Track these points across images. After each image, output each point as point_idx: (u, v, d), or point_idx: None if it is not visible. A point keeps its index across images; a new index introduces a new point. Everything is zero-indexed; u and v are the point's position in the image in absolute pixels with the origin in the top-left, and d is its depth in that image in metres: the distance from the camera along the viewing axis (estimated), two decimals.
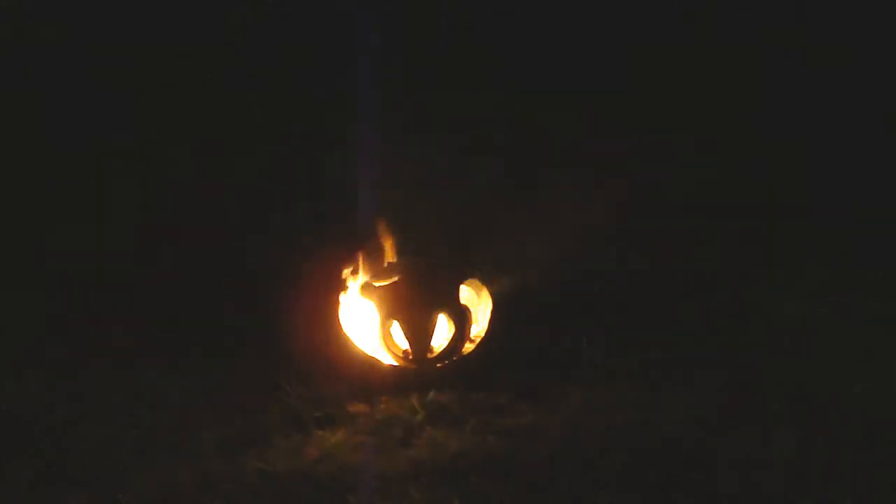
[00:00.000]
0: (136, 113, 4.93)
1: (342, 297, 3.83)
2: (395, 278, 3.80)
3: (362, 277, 3.87)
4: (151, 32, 5.01)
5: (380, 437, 3.45)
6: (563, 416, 3.53)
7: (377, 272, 3.86)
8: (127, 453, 3.29)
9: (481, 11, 5.02)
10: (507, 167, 4.63)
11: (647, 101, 4.78)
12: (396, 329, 3.79)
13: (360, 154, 4.32)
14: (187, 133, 4.92)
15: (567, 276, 4.27)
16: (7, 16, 5.19)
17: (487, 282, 3.91)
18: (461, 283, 3.85)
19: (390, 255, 3.89)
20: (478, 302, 3.91)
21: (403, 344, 3.80)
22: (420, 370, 3.76)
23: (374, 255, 3.90)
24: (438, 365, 3.78)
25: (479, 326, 3.90)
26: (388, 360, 3.82)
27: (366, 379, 3.74)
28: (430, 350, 3.79)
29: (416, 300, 3.75)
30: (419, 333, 3.75)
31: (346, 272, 3.86)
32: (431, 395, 3.66)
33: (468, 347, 3.86)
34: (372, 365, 3.78)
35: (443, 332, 3.81)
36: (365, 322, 3.87)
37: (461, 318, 3.80)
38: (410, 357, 3.78)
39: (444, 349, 3.79)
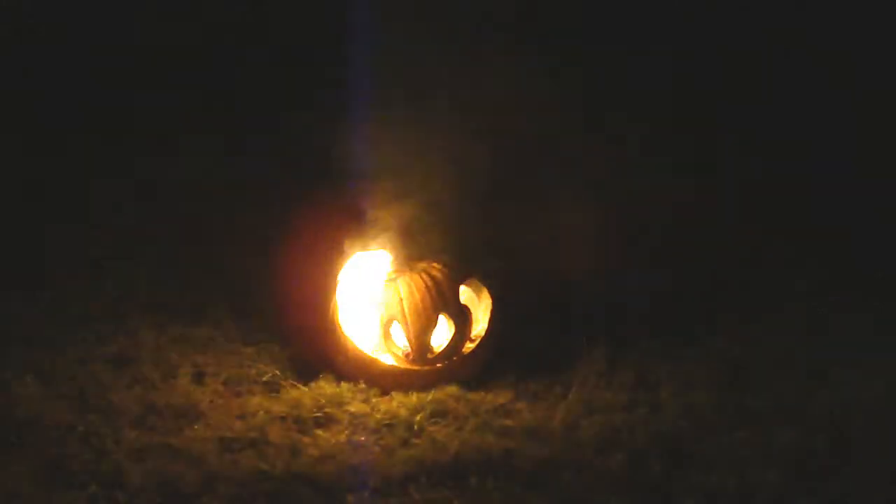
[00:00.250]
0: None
1: (342, 296, 3.84)
2: (396, 278, 3.80)
3: (362, 277, 3.88)
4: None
5: (380, 437, 3.45)
6: (563, 416, 3.54)
7: (377, 271, 3.87)
8: (126, 452, 3.29)
9: None
10: (508, 165, 4.62)
11: (646, 101, 4.78)
12: (396, 329, 3.79)
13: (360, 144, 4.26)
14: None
15: (568, 277, 4.27)
16: (7, 16, 5.21)
17: (487, 282, 3.91)
18: (461, 283, 3.86)
19: (390, 255, 3.90)
20: (478, 302, 3.92)
21: (403, 344, 3.80)
22: (420, 370, 3.77)
23: (374, 255, 3.91)
24: (438, 365, 3.78)
25: (479, 326, 3.90)
26: (388, 360, 3.82)
27: (366, 379, 3.74)
28: (430, 350, 3.80)
29: (417, 301, 3.75)
30: (419, 333, 3.75)
31: (346, 272, 3.87)
32: (431, 394, 3.66)
33: (468, 347, 3.86)
34: (372, 365, 3.78)
35: (443, 332, 3.81)
36: (365, 322, 3.88)
37: (461, 318, 3.80)
38: (410, 357, 3.79)
39: (444, 349, 3.79)
